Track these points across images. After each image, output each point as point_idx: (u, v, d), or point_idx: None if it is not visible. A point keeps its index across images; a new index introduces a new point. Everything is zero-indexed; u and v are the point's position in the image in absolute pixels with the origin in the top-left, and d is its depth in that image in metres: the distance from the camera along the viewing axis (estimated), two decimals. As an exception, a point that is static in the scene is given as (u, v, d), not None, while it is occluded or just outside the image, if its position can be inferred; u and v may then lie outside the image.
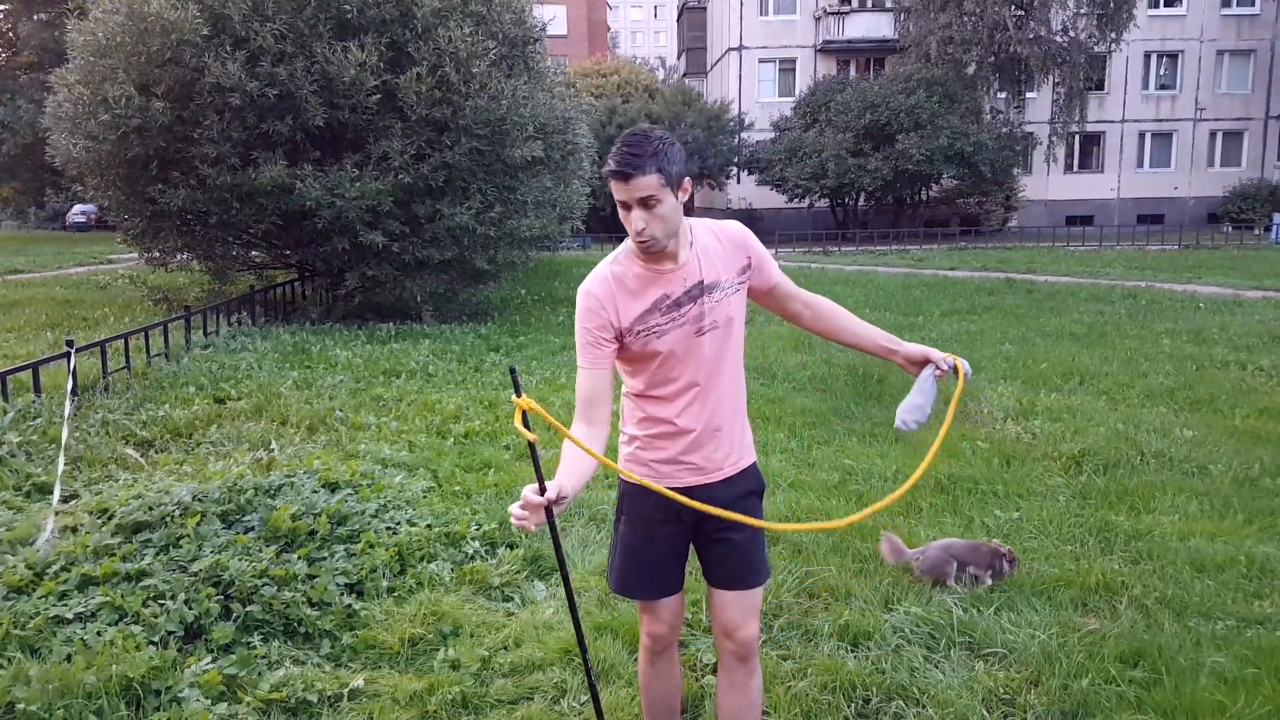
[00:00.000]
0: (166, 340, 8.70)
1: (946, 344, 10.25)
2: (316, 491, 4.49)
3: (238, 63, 10.24)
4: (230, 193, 10.76)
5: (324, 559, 3.76)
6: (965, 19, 29.11)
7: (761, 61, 35.43)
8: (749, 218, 35.14)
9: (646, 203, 2.02)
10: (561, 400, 7.37)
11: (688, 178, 2.12)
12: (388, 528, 4.22)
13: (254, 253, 13.63)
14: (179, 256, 12.99)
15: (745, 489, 2.31)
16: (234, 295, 12.35)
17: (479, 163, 11.64)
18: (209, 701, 2.76)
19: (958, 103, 28.92)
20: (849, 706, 2.86)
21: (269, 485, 4.47)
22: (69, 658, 2.85)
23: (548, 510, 1.99)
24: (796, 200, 30.60)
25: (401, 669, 3.13)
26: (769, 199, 32.68)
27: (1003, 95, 31.40)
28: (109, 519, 3.78)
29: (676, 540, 2.32)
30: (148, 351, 8.27)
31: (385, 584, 3.74)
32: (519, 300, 15.00)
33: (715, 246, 2.21)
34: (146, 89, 10.47)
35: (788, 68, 35.51)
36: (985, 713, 2.86)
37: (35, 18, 34.00)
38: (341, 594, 3.53)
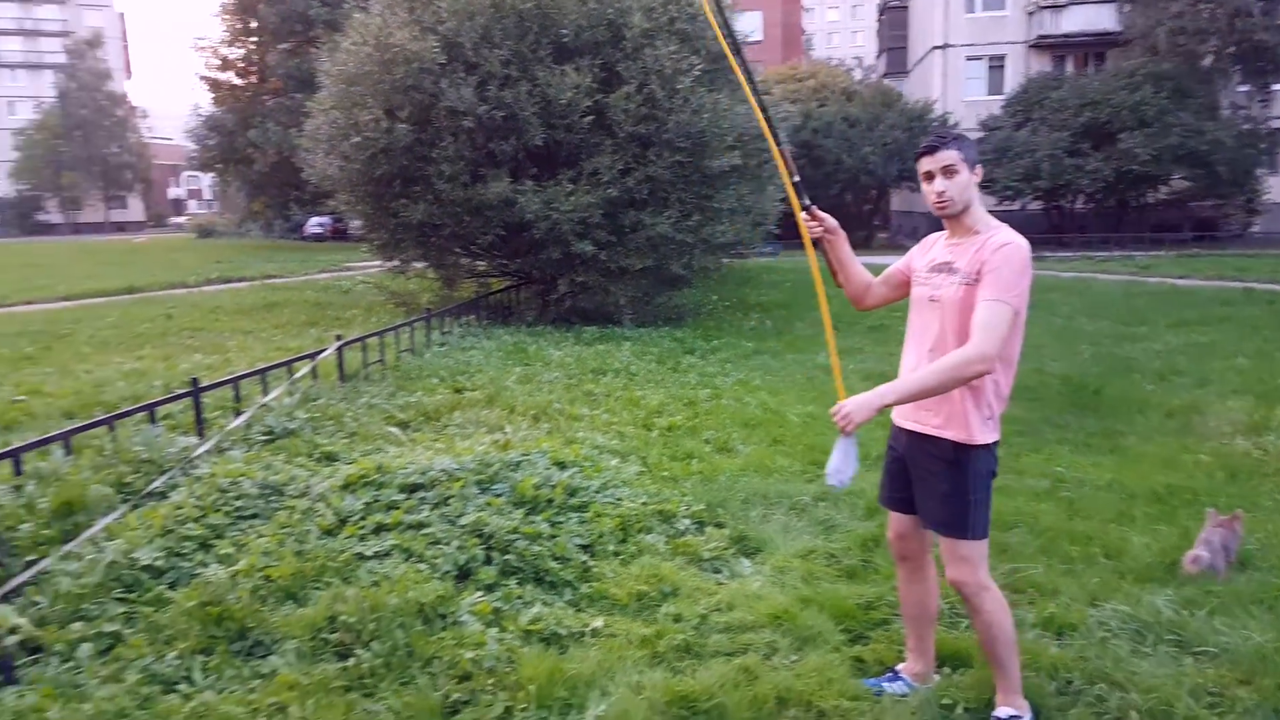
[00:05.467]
0: (412, 338, 9.83)
1: (1172, 356, 9.68)
2: (549, 469, 5.06)
3: (470, 87, 11.32)
4: (461, 207, 11.90)
5: (562, 522, 4.32)
6: (1201, 6, 26.73)
7: (968, 59, 34.09)
8: (951, 223, 33.72)
9: (948, 171, 2.66)
10: (757, 401, 7.71)
11: (980, 166, 2.71)
12: (610, 502, 4.72)
13: (478, 262, 14.90)
14: (415, 265, 14.43)
15: (929, 452, 2.75)
16: (460, 300, 13.60)
17: (679, 174, 12.20)
18: (482, 626, 3.34)
19: (1191, 98, 26.62)
20: (1050, 685, 3.02)
21: (510, 461, 5.08)
22: (376, 584, 3.52)
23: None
24: (1006, 202, 29.26)
25: (631, 617, 3.59)
26: (974, 202, 31.42)
27: (1245, 89, 28.51)
28: (390, 480, 4.53)
29: (894, 463, 2.92)
30: (397, 347, 9.40)
31: (611, 548, 4.24)
32: (711, 306, 15.45)
33: (982, 240, 2.67)
34: (391, 113, 11.78)
35: (997, 65, 33.97)
36: (1192, 701, 2.93)
37: (280, 47, 37.97)
38: (578, 552, 4.06)
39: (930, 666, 3.07)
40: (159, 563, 3.80)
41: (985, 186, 29.48)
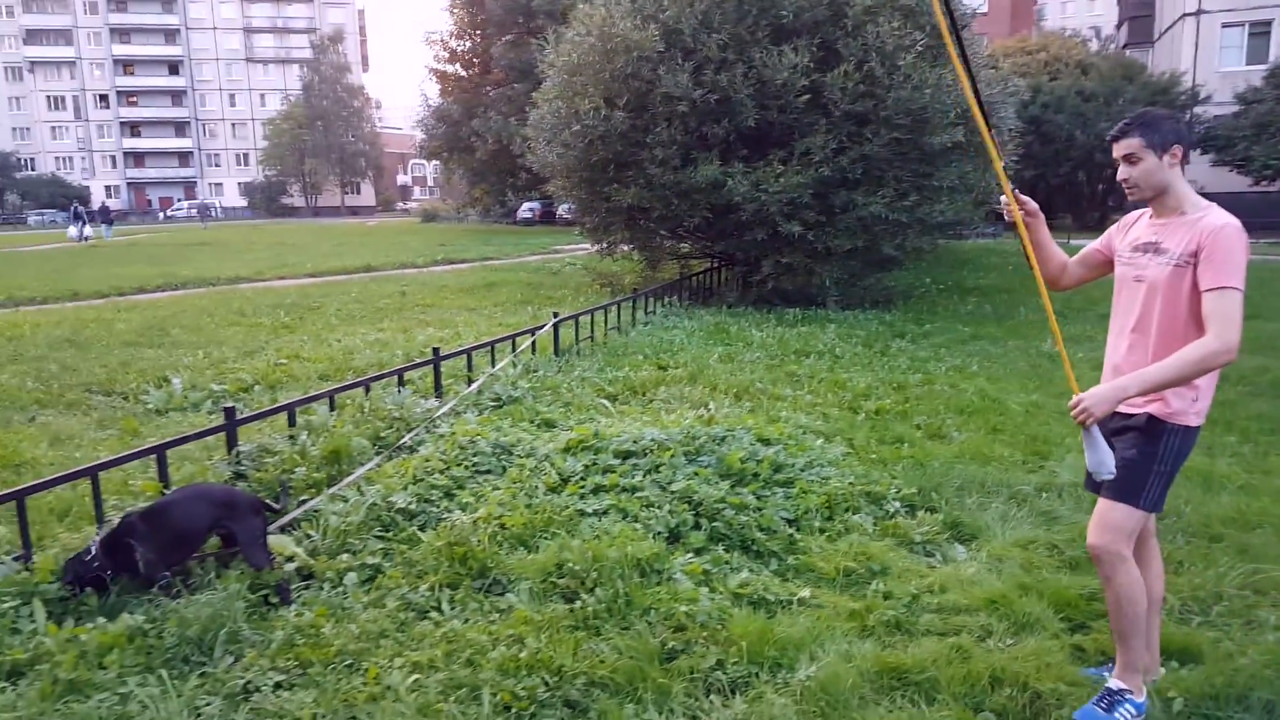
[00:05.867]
0: (619, 317, 10.25)
1: None
2: (754, 444, 5.17)
3: (686, 73, 11.55)
4: (671, 190, 12.19)
5: (768, 496, 4.43)
6: None
7: (1225, 26, 30.58)
8: (1199, 204, 30.53)
9: (1128, 159, 2.68)
10: (974, 388, 7.43)
11: (1178, 148, 2.65)
12: (815, 480, 4.76)
13: (682, 244, 15.20)
14: (622, 248, 14.95)
15: (1127, 425, 2.72)
16: (662, 281, 13.94)
17: (897, 152, 11.86)
18: (694, 585, 3.53)
19: None
20: (1294, 690, 2.80)
21: (715, 435, 5.24)
22: (597, 537, 3.80)
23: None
24: (1265, 183, 26.12)
25: (838, 592, 3.65)
26: (1228, 181, 28.25)
27: None
28: (606, 446, 4.82)
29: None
30: (605, 325, 9.83)
31: (817, 524, 4.29)
32: (923, 289, 14.91)
33: (1192, 222, 2.63)
34: (610, 101, 12.24)
35: (1260, 31, 30.25)
36: None
37: (503, 39, 39.88)
38: (784, 525, 4.16)
39: (1154, 660, 2.94)
40: (411, 507, 4.28)
41: (1240, 166, 26.55)
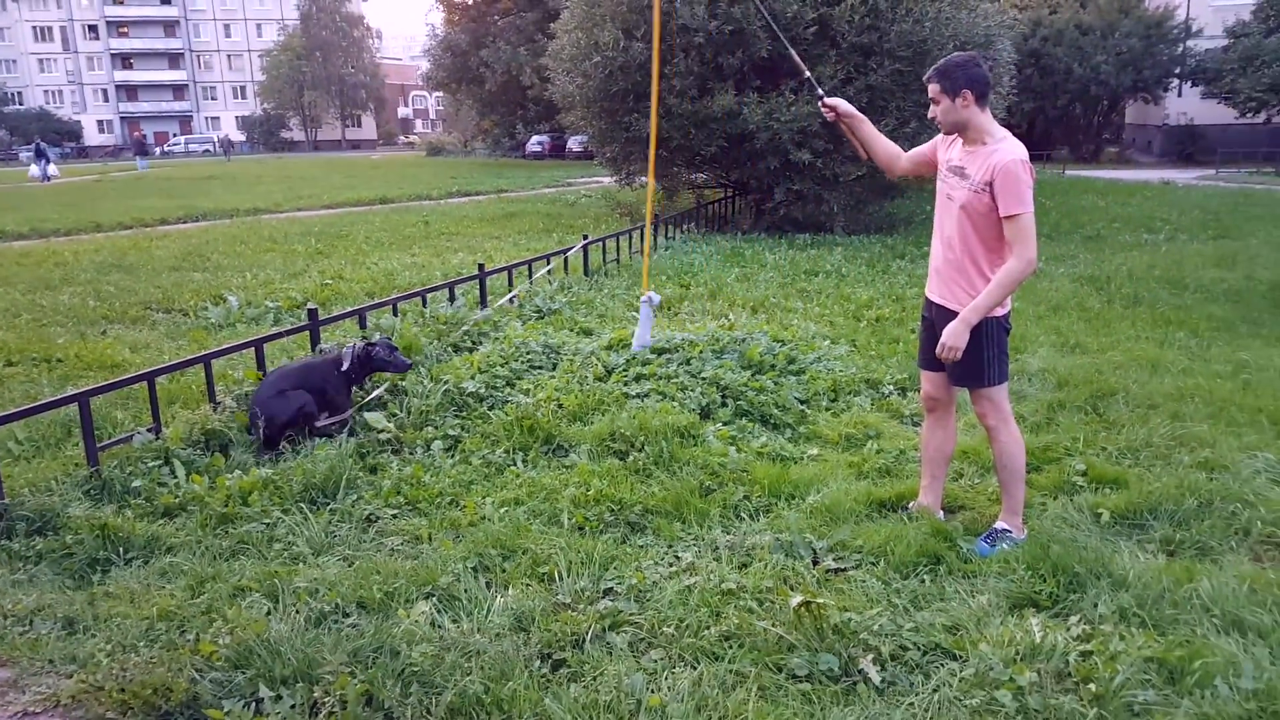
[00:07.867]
0: (642, 241, 10.92)
1: None
2: (770, 343, 5.96)
3: (701, 5, 12.03)
4: (688, 120, 12.74)
5: (782, 382, 5.22)
6: None
7: (1223, -43, 30.49)
8: (1188, 135, 30.90)
9: (933, 100, 3.22)
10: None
11: (968, 91, 3.12)
12: (823, 370, 5.58)
13: (697, 174, 15.76)
14: (640, 178, 15.53)
15: (950, 320, 3.23)
16: (679, 210, 14.55)
17: (899, 83, 12.39)
18: (723, 445, 4.34)
19: None
20: (1191, 502, 3.59)
21: (736, 338, 6.02)
22: (642, 411, 4.60)
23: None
24: (1249, 115, 26.62)
25: (840, 451, 4.46)
26: (1215, 114, 28.72)
27: None
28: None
29: (926, 330, 3.47)
30: (629, 249, 10.53)
31: (824, 404, 5.10)
32: (924, 216, 15.52)
33: (988, 153, 3.14)
34: (629, 33, 12.70)
35: (1255, -35, 30.19)
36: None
37: (511, -35, 39.12)
38: (796, 404, 4.96)
39: (938, 503, 3.65)
40: (480, 391, 5.07)
41: (1227, 98, 27.12)
